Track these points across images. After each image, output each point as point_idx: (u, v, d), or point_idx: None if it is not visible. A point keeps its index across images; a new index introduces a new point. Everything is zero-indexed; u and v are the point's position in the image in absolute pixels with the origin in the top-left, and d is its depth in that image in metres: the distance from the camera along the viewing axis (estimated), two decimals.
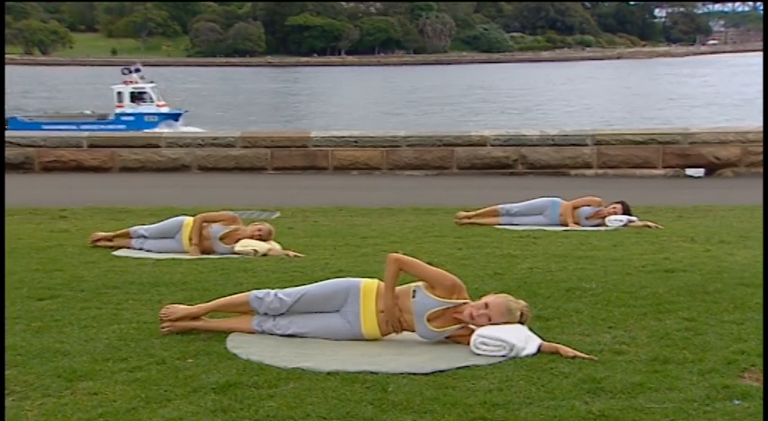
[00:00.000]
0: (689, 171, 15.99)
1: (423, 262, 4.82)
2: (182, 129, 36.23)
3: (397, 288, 4.76)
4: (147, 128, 35.80)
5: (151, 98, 42.99)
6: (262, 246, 7.73)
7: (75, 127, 34.03)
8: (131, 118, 41.13)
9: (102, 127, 37.14)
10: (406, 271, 4.70)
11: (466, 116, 52.52)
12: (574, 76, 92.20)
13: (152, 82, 44.59)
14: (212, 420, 3.56)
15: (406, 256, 4.82)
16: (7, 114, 43.26)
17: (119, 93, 43.16)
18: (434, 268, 4.79)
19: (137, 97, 42.84)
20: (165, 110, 42.82)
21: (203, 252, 7.80)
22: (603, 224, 9.74)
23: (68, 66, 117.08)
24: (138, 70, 44.95)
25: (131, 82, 43.70)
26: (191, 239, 7.84)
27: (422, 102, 61.70)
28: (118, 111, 42.25)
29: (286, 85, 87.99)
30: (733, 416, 3.58)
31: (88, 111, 44.29)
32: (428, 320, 4.60)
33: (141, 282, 6.28)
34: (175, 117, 42.44)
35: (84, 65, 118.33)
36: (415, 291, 4.66)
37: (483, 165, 16.03)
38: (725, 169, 15.76)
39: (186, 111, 44.19)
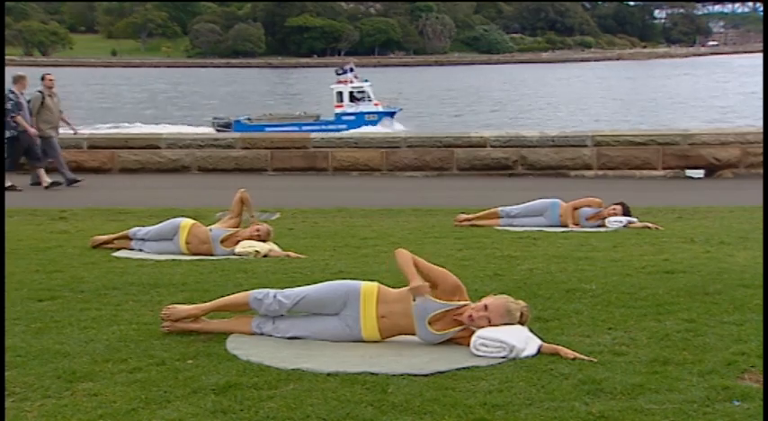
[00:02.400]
0: (689, 172, 15.99)
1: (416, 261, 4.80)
2: (396, 127, 35.69)
3: (397, 291, 4.75)
4: (367, 126, 35.69)
5: (369, 97, 42.56)
6: (263, 247, 7.73)
7: (296, 128, 33.85)
8: (352, 117, 40.90)
9: (324, 127, 36.84)
10: (400, 269, 4.69)
11: (465, 117, 52.52)
12: (573, 77, 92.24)
13: (367, 80, 44.06)
14: None
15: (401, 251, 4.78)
16: (215, 116, 42.82)
17: (338, 93, 42.70)
18: (439, 268, 4.76)
19: (356, 97, 42.40)
20: (380, 108, 42.37)
21: (202, 254, 7.80)
22: (603, 225, 9.74)
23: (68, 67, 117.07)
24: (351, 70, 44.46)
25: (347, 81, 43.18)
26: (188, 242, 7.86)
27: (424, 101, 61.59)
28: (338, 111, 41.91)
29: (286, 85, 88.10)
30: (733, 417, 3.58)
31: (298, 113, 43.92)
32: (429, 323, 4.60)
33: (141, 283, 6.28)
34: (391, 115, 42.07)
35: (85, 66, 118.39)
36: None
37: (483, 166, 16.04)
38: (725, 170, 15.76)
39: (401, 109, 43.65)
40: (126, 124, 46.07)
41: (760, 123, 18.28)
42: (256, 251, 7.68)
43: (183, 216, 8.36)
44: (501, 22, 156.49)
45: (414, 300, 4.63)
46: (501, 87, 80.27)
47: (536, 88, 77.99)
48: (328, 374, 4.11)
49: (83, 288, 6.06)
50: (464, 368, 4.23)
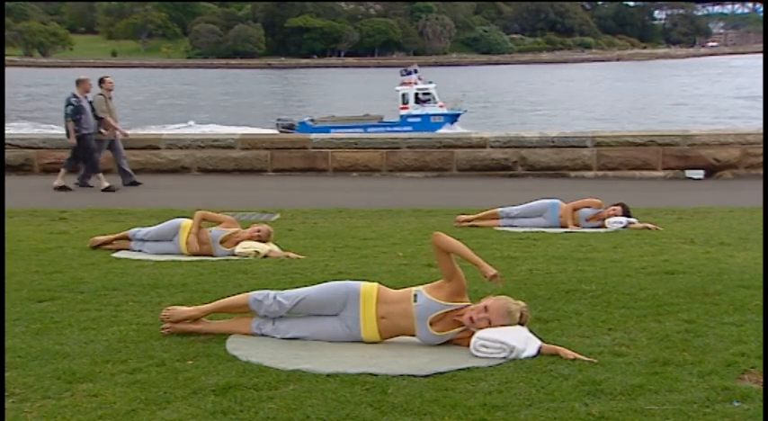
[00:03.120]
0: (689, 173, 16.00)
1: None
2: (458, 129, 34.87)
3: (397, 292, 4.75)
4: (433, 129, 35.02)
5: (434, 99, 42.05)
6: (263, 248, 7.73)
7: (361, 130, 33.23)
8: (418, 119, 40.41)
9: (389, 129, 36.42)
10: (448, 248, 4.62)
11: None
12: (573, 78, 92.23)
13: (431, 82, 43.47)
14: None
15: (443, 236, 4.71)
16: (281, 117, 42.27)
17: (404, 94, 42.19)
18: (455, 243, 4.68)
19: (421, 98, 41.89)
20: (445, 110, 41.90)
21: (202, 255, 7.80)
22: (603, 226, 9.74)
23: (68, 67, 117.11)
24: (416, 71, 44.00)
25: (411, 83, 42.68)
26: (188, 242, 7.85)
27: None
28: (403, 113, 41.42)
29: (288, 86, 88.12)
30: (733, 418, 3.58)
31: (362, 114, 43.45)
32: (430, 324, 4.60)
33: (141, 283, 6.28)
34: (455, 117, 41.63)
35: (84, 67, 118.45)
36: (416, 295, 4.65)
37: (483, 166, 16.04)
38: (724, 171, 15.76)
39: (465, 110, 43.12)
40: (193, 123, 45.67)
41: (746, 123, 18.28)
42: (256, 251, 7.68)
43: (182, 217, 8.35)
44: (501, 22, 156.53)
45: (415, 301, 4.62)
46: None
47: (535, 89, 77.95)
48: (328, 375, 4.11)
49: (83, 289, 6.06)
50: (464, 369, 4.23)
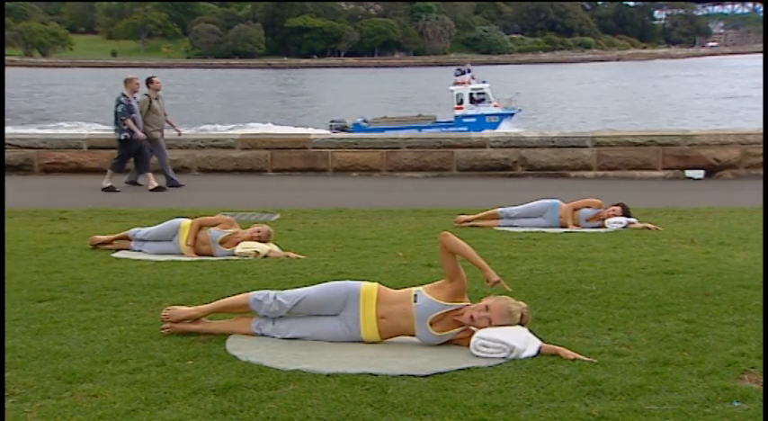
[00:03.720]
0: (688, 173, 16.00)
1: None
2: (514, 129, 33.85)
3: (397, 292, 4.75)
4: (489, 128, 34.28)
5: (489, 98, 41.59)
6: (263, 248, 7.73)
7: (416, 131, 32.81)
8: (473, 119, 39.86)
9: (444, 129, 35.90)
10: (455, 250, 4.63)
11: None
12: (573, 78, 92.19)
13: (485, 81, 43.03)
14: None
15: (451, 237, 4.70)
16: (334, 118, 41.92)
17: (458, 94, 41.74)
18: (463, 245, 4.69)
19: (475, 98, 41.48)
20: (499, 109, 41.35)
21: (202, 255, 7.80)
22: (603, 226, 9.74)
23: (68, 67, 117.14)
24: (469, 70, 43.57)
25: (465, 83, 42.25)
26: (185, 249, 7.86)
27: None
28: (458, 113, 40.96)
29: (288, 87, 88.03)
30: (733, 418, 3.58)
31: (415, 114, 42.94)
32: (430, 324, 4.60)
33: (141, 283, 6.28)
34: (510, 116, 41.03)
35: (85, 67, 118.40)
36: (416, 295, 4.65)
37: (483, 166, 16.04)
38: (724, 171, 15.76)
39: (519, 109, 42.54)
40: (255, 124, 45.15)
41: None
42: (256, 252, 7.68)
43: (182, 217, 8.36)
44: (501, 22, 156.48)
45: (415, 301, 4.62)
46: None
47: (535, 89, 77.84)
48: (328, 375, 4.11)
49: (83, 289, 6.06)
50: (464, 369, 4.23)
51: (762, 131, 15.90)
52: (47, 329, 4.94)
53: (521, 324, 4.57)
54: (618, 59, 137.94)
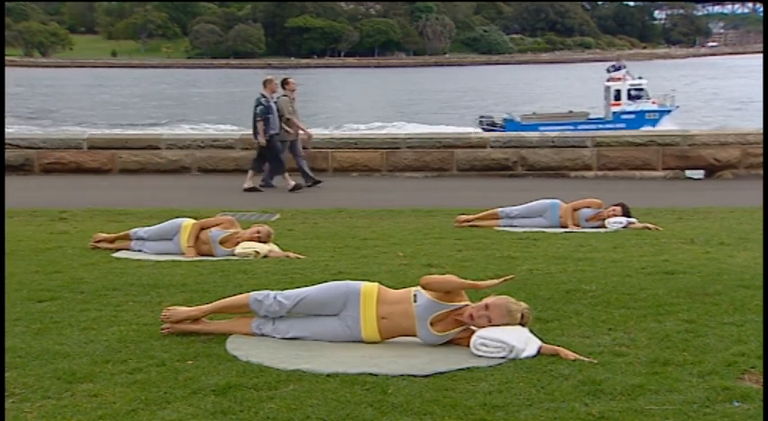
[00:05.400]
0: (689, 173, 16.01)
1: (437, 274, 4.78)
2: (671, 126, 33.25)
3: (397, 292, 4.75)
4: (648, 125, 33.81)
5: (647, 95, 40.59)
6: (263, 248, 7.73)
7: (572, 127, 32.15)
8: (632, 116, 38.95)
9: (601, 126, 35.24)
10: (442, 289, 4.62)
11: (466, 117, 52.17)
12: (573, 78, 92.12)
13: (641, 77, 41.92)
14: None
15: (433, 277, 4.70)
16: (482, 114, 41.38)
17: (616, 90, 40.62)
18: (448, 279, 4.68)
19: (632, 94, 40.48)
20: (656, 106, 40.39)
21: (203, 255, 7.80)
22: (603, 226, 9.74)
23: (68, 67, 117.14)
24: (624, 66, 42.63)
25: (621, 79, 41.12)
26: (188, 242, 7.85)
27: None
28: (615, 109, 39.90)
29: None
30: (733, 418, 3.58)
31: (567, 111, 42.19)
32: (431, 324, 4.60)
33: (141, 283, 6.28)
34: (667, 114, 40.13)
35: (85, 67, 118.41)
36: (416, 295, 4.65)
37: (483, 166, 16.04)
38: (724, 171, 15.77)
39: (677, 106, 41.27)
40: (384, 124, 45.06)
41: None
42: (256, 252, 7.68)
43: (182, 217, 8.35)
44: (501, 22, 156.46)
45: (414, 301, 4.62)
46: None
47: (535, 89, 77.75)
48: (328, 375, 4.11)
49: (83, 289, 6.06)
50: (464, 369, 4.23)
51: (762, 131, 15.91)
52: (47, 329, 4.93)
53: (521, 324, 4.57)
54: (618, 59, 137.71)
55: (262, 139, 13.92)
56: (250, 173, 14.16)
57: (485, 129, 34.45)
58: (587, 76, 45.10)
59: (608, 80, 41.76)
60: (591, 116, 40.52)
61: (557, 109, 44.94)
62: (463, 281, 4.68)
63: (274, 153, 14.12)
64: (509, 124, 37.55)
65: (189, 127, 44.56)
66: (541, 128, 31.69)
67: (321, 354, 4.46)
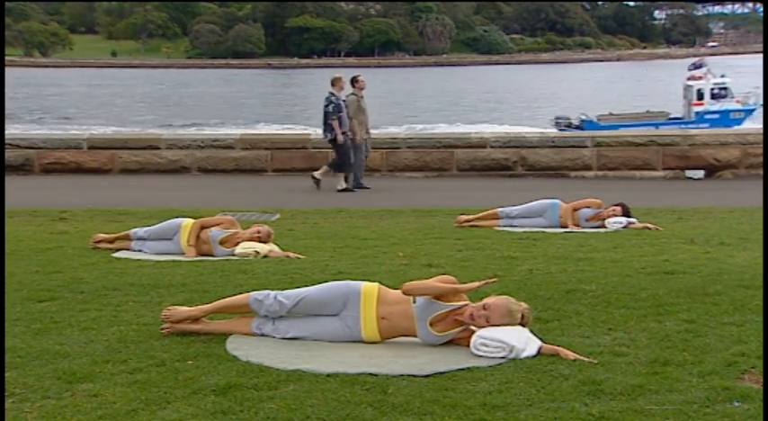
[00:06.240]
0: (689, 173, 16.02)
1: (423, 280, 4.77)
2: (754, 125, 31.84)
3: (397, 293, 4.75)
4: (733, 125, 32.71)
5: (731, 94, 39.44)
6: (263, 248, 7.73)
7: (653, 128, 31.01)
8: (716, 116, 37.69)
9: (684, 126, 33.78)
10: (423, 294, 4.61)
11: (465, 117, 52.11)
12: (573, 78, 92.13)
13: (724, 75, 40.66)
14: None
15: (413, 283, 4.71)
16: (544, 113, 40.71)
17: (698, 90, 39.23)
18: (429, 285, 4.65)
19: (716, 94, 39.17)
20: (740, 106, 39.21)
21: (202, 255, 7.80)
22: (603, 226, 9.74)
23: (68, 67, 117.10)
24: (705, 64, 41.16)
25: (702, 77, 39.76)
26: (186, 249, 7.85)
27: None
28: (698, 109, 38.55)
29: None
30: (733, 418, 3.58)
31: (644, 111, 41.02)
32: (430, 324, 4.60)
33: (141, 283, 6.28)
34: (751, 113, 39.01)
35: (85, 67, 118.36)
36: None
37: (483, 166, 16.05)
38: (725, 171, 15.77)
39: (761, 104, 38.92)
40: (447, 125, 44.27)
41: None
42: (256, 252, 7.68)
43: (182, 216, 8.35)
44: (501, 22, 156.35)
45: (414, 302, 4.62)
46: None
47: (535, 89, 77.74)
48: (328, 375, 4.11)
49: (83, 289, 6.06)
50: (464, 369, 4.23)
51: (762, 131, 15.92)
52: (47, 329, 4.93)
53: (522, 324, 4.57)
54: (618, 59, 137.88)
55: (340, 137, 13.86)
56: (336, 175, 14.12)
57: (561, 130, 33.16)
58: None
59: (688, 79, 40.38)
60: (671, 116, 39.33)
61: (635, 109, 43.38)
62: (444, 285, 4.62)
63: (341, 151, 14.09)
64: (589, 124, 36.44)
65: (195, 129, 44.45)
66: (621, 128, 30.62)
67: (321, 354, 4.46)
